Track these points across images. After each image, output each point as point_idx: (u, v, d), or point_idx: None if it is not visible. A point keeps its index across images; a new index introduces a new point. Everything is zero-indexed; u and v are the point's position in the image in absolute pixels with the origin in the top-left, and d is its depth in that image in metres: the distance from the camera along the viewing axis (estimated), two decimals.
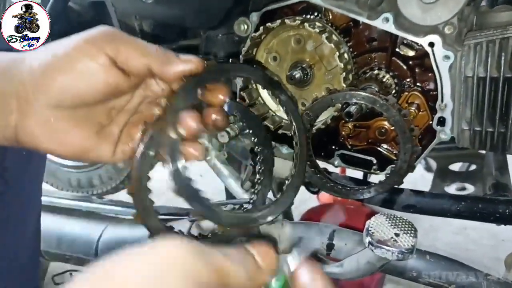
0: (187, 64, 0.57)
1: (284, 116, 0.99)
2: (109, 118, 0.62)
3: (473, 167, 1.46)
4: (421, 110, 0.89)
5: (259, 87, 0.99)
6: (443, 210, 0.96)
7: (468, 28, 0.82)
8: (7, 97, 0.55)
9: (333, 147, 0.99)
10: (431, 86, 0.88)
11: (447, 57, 0.80)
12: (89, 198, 1.81)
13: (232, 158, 1.15)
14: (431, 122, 0.86)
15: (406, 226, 0.69)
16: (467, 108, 0.82)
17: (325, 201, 2.47)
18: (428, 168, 1.89)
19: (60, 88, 0.54)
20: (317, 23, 0.87)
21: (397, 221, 0.70)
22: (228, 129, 0.93)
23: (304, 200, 2.26)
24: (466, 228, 2.18)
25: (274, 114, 1.00)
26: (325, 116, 0.91)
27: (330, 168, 1.04)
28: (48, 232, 1.37)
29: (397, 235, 0.67)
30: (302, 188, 1.15)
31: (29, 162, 0.88)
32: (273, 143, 1.01)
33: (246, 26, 0.93)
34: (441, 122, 0.85)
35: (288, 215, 1.51)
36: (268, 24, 0.87)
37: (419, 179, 2.01)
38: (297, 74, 0.89)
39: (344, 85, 0.86)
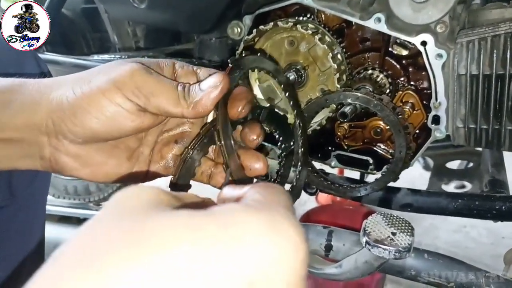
0: (215, 90, 0.56)
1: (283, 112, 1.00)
2: (138, 141, 0.64)
3: (471, 165, 1.47)
4: (416, 109, 0.90)
5: (254, 89, 1.00)
6: (440, 208, 0.97)
7: (460, 26, 0.83)
8: (39, 130, 0.57)
9: (329, 148, 1.00)
10: (425, 84, 0.89)
11: (439, 55, 0.81)
12: (86, 206, 1.81)
13: None
14: (426, 121, 0.87)
15: (403, 225, 0.70)
16: (461, 105, 0.83)
17: (323, 202, 2.48)
18: (426, 167, 1.90)
19: (88, 129, 0.56)
20: (310, 25, 0.88)
21: (394, 220, 0.70)
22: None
23: (303, 202, 2.27)
24: (466, 226, 2.19)
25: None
26: (320, 117, 0.92)
27: (327, 169, 1.05)
28: (46, 241, 1.36)
29: (394, 234, 0.68)
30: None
31: (35, 175, 0.88)
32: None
33: (239, 29, 0.94)
34: (436, 120, 0.86)
35: None
36: (261, 27, 0.88)
37: (417, 178, 2.02)
38: (291, 76, 0.89)
39: (338, 86, 0.87)
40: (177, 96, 0.56)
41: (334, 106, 0.89)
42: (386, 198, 0.98)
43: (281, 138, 0.72)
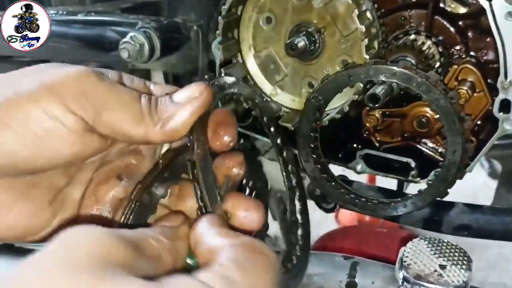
0: (194, 103, 0.57)
1: (283, 101, 1.00)
2: (67, 177, 0.63)
3: None
4: (477, 91, 0.90)
5: (247, 62, 1.01)
6: (511, 231, 0.98)
7: None
8: None
9: (354, 145, 1.00)
10: (490, 56, 0.89)
11: (511, 14, 0.82)
12: None
13: None
14: (490, 108, 0.88)
15: (456, 254, 0.70)
16: None
17: (346, 222, 2.49)
18: (492, 173, 1.91)
19: (3, 152, 0.53)
20: None
21: (443, 247, 0.71)
22: None
23: (318, 223, 2.28)
24: None
25: (269, 100, 1.01)
26: (341, 102, 0.93)
27: (351, 175, 1.05)
28: None
29: (443, 267, 0.68)
30: (313, 206, 1.16)
31: None
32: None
33: None
34: (505, 106, 0.86)
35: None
36: None
37: (479, 188, 2.03)
38: (301, 42, 0.90)
39: (367, 57, 0.87)
40: (140, 111, 0.56)
41: (361, 85, 0.89)
42: (434, 217, 0.98)
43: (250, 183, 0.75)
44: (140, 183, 0.62)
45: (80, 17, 1.07)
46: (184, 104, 0.58)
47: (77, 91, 0.55)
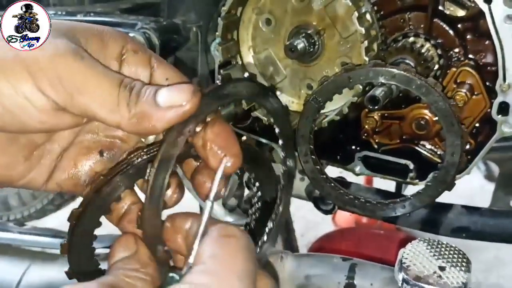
0: (176, 110, 0.55)
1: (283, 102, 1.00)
2: (46, 136, 0.63)
3: None
4: (475, 93, 0.90)
5: (246, 63, 1.00)
6: (508, 234, 0.98)
7: None
8: None
9: (353, 147, 1.00)
10: (489, 58, 0.89)
11: (510, 17, 0.82)
12: (5, 226, 1.80)
13: None
14: (489, 110, 0.88)
15: (455, 256, 0.70)
16: None
17: (343, 224, 2.49)
18: (488, 176, 1.92)
19: None
20: None
21: (443, 249, 0.71)
22: None
23: (315, 224, 2.28)
24: None
25: None
26: (340, 103, 0.93)
27: (349, 177, 1.06)
28: None
29: (442, 268, 0.68)
30: (311, 208, 1.16)
31: None
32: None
33: None
34: (503, 109, 0.86)
35: (291, 244, 1.52)
36: None
37: (477, 191, 2.04)
38: (300, 44, 0.90)
39: (367, 59, 0.87)
40: (116, 99, 0.55)
41: (361, 87, 0.89)
42: (432, 219, 0.99)
43: (257, 184, 0.73)
44: (103, 176, 0.61)
45: (79, 17, 1.07)
46: (164, 109, 0.56)
47: (51, 73, 0.54)
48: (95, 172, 0.65)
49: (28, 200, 2.09)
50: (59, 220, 2.24)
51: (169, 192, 0.64)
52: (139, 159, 0.60)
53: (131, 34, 0.96)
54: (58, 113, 0.56)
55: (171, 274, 0.55)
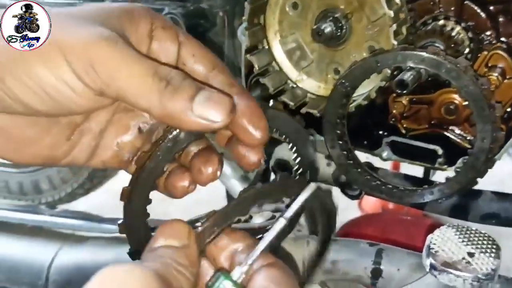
0: (208, 124, 0.56)
1: (309, 87, 1.00)
2: (85, 116, 0.65)
3: None
4: (507, 77, 0.89)
5: (273, 48, 1.00)
6: None
7: None
8: None
9: (380, 132, 1.00)
10: None
11: None
12: (36, 209, 1.85)
13: None
14: None
15: (485, 242, 0.70)
16: None
17: (369, 209, 2.48)
18: None
19: (19, 103, 0.57)
20: None
21: (472, 235, 0.70)
22: None
23: (341, 209, 2.27)
24: None
25: (295, 85, 1.00)
26: (368, 88, 0.92)
27: (377, 162, 1.05)
28: None
29: (471, 255, 0.68)
30: (337, 193, 1.16)
31: None
32: None
33: None
34: None
35: (316, 229, 1.52)
36: None
37: (507, 177, 2.01)
38: (327, 28, 0.89)
39: (395, 43, 0.86)
40: (149, 88, 0.56)
41: (389, 71, 0.88)
42: (461, 205, 0.98)
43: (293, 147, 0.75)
44: (145, 152, 0.64)
45: (108, 2, 1.08)
46: (196, 116, 0.56)
47: (85, 61, 0.55)
48: (137, 148, 0.68)
49: (58, 184, 2.13)
50: (88, 204, 2.28)
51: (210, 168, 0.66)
52: (174, 133, 0.62)
53: None
54: (97, 97, 0.58)
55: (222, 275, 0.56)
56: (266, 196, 0.64)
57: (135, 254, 0.66)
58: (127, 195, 0.63)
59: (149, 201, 0.65)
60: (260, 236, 0.61)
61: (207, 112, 0.56)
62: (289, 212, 0.60)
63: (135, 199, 0.63)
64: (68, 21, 0.60)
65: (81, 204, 2.19)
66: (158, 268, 0.49)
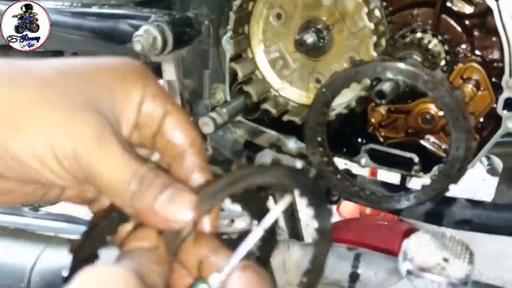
0: (171, 223, 0.55)
1: (291, 95, 1.01)
2: None
3: None
4: (481, 89, 0.90)
5: (256, 57, 1.01)
6: (511, 227, 0.98)
7: None
8: None
9: (359, 139, 1.01)
10: (496, 55, 0.89)
11: None
12: (19, 211, 1.82)
13: (219, 154, 1.16)
14: (495, 106, 0.88)
15: (459, 248, 0.71)
16: None
17: (347, 215, 2.49)
18: (491, 170, 1.91)
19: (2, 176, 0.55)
20: None
21: (446, 241, 0.71)
22: (213, 115, 0.94)
23: None
24: None
25: (277, 94, 1.01)
26: (348, 97, 0.93)
27: (355, 169, 1.06)
28: None
29: (446, 260, 0.69)
30: None
31: None
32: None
33: None
34: (509, 105, 0.86)
35: (296, 234, 1.53)
36: None
37: (480, 185, 2.03)
38: (310, 38, 0.90)
39: (375, 54, 0.87)
40: (125, 190, 0.55)
41: (368, 81, 0.89)
42: (436, 211, 0.99)
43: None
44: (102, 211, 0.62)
45: (94, 9, 1.07)
46: (160, 216, 0.55)
47: (69, 150, 0.54)
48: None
49: None
50: (71, 206, 2.25)
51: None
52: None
53: (145, 27, 0.96)
54: (74, 179, 0.56)
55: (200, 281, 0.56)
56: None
57: None
58: (76, 249, 0.61)
59: (97, 257, 0.62)
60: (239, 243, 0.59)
61: (169, 213, 0.55)
62: (267, 222, 0.58)
63: (84, 253, 0.61)
64: (55, 98, 0.55)
65: (64, 207, 2.16)
66: (134, 267, 0.51)
